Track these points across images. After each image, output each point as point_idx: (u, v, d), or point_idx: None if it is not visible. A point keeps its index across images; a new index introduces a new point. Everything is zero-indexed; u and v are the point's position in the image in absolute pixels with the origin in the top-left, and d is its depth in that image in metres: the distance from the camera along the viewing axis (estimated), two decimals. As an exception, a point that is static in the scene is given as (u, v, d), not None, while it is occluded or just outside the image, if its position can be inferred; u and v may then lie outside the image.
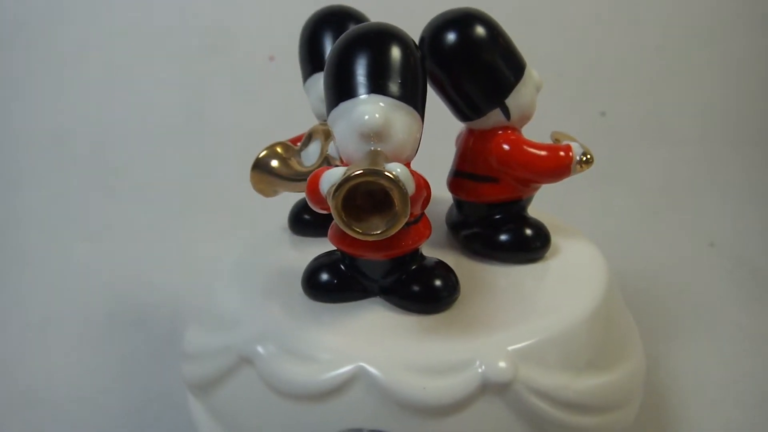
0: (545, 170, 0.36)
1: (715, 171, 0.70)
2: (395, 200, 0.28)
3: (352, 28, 0.33)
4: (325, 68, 0.33)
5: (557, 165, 0.36)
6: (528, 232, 0.38)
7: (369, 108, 0.31)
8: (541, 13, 0.78)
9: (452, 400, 0.30)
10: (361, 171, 0.27)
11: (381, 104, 0.31)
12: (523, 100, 0.36)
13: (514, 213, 0.38)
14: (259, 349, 0.32)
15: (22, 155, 0.69)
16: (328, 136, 0.38)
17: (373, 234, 0.28)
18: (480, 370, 0.30)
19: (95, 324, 0.51)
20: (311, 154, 0.38)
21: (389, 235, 0.28)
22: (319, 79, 0.39)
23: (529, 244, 0.38)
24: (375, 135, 0.30)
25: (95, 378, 0.46)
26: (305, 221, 0.42)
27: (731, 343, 0.46)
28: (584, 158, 0.36)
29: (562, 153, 0.36)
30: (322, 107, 0.38)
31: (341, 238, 0.33)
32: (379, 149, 0.30)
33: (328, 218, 0.41)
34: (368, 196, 0.28)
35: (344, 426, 0.31)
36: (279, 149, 0.38)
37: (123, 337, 0.50)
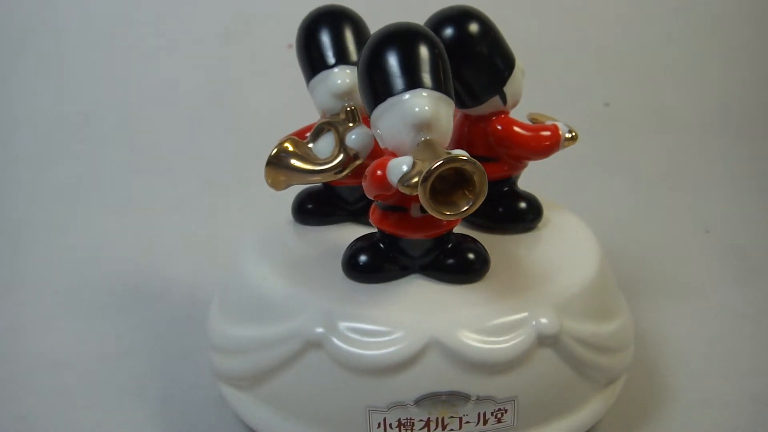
0: (539, 148, 0.41)
1: (716, 160, 0.75)
2: (477, 182, 0.31)
3: (382, 28, 0.35)
4: (363, 68, 0.35)
5: (549, 142, 0.41)
6: (522, 205, 0.42)
7: (419, 101, 0.33)
8: (547, 6, 0.83)
9: (514, 355, 0.34)
10: (442, 161, 0.30)
11: (427, 96, 0.34)
12: (516, 87, 0.41)
13: (508, 188, 0.42)
14: (329, 332, 0.34)
15: (55, 133, 0.75)
16: (341, 128, 0.40)
17: (459, 213, 0.31)
18: (534, 326, 0.34)
19: (119, 292, 0.55)
20: (321, 147, 0.40)
21: (470, 213, 0.31)
22: (325, 77, 0.40)
23: (524, 216, 0.42)
24: (426, 126, 0.33)
25: (119, 341, 0.49)
26: (309, 211, 0.44)
27: (718, 321, 0.50)
28: (570, 135, 0.41)
29: (551, 132, 0.41)
30: (333, 102, 0.41)
31: (386, 220, 0.36)
32: (429, 138, 0.33)
33: (330, 207, 0.43)
34: (441, 180, 0.31)
35: (422, 392, 0.34)
36: (289, 145, 0.40)
37: (146, 305, 0.53)
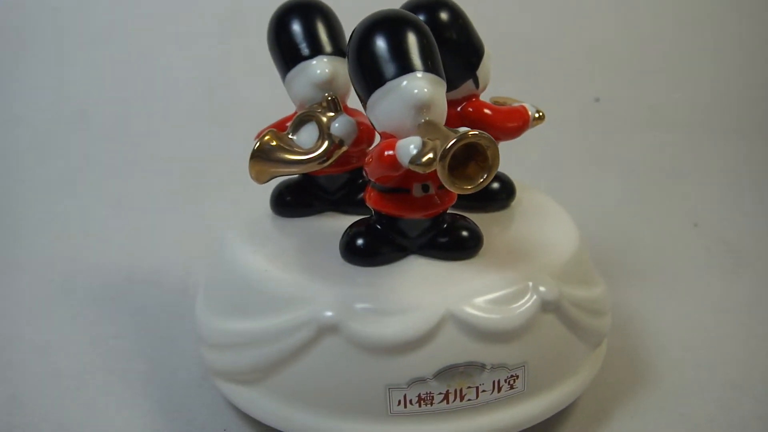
0: (511, 128, 0.42)
1: (705, 156, 0.77)
2: (490, 155, 0.32)
3: (370, 16, 0.36)
4: (355, 55, 0.35)
5: (519, 122, 0.43)
6: (495, 185, 0.44)
7: (417, 83, 0.34)
8: (539, 3, 0.85)
9: (523, 321, 0.35)
10: (456, 139, 0.31)
11: (423, 79, 0.35)
12: (486, 71, 0.42)
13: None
14: (345, 315, 0.34)
15: (53, 128, 0.78)
16: (324, 118, 0.40)
17: (476, 186, 0.32)
18: (537, 294, 0.36)
19: (112, 280, 0.57)
20: (303, 138, 0.40)
21: (486, 185, 0.32)
22: (304, 69, 0.41)
23: (497, 195, 0.44)
24: (426, 107, 0.34)
25: (109, 327, 0.51)
26: (288, 202, 0.44)
27: (701, 312, 0.51)
28: (538, 115, 0.43)
29: (520, 113, 0.43)
30: (313, 93, 0.41)
31: (386, 202, 0.37)
32: (429, 118, 0.34)
33: (310, 198, 0.44)
34: (453, 157, 0.32)
35: (441, 365, 0.34)
36: (271, 137, 0.40)
37: (138, 293, 0.55)
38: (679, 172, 0.75)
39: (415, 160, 0.32)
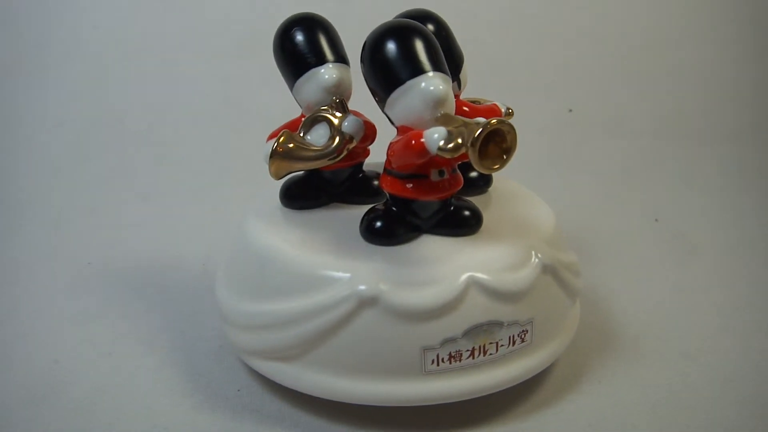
0: None
1: (664, 160, 0.88)
2: (509, 139, 0.38)
3: (382, 26, 0.41)
4: (373, 60, 0.40)
5: (493, 117, 0.49)
6: (474, 174, 0.50)
7: (433, 82, 0.39)
8: (521, 24, 0.97)
9: (530, 283, 0.41)
10: (482, 127, 0.36)
11: (435, 77, 0.39)
12: (465, 75, 0.48)
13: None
14: (383, 288, 0.39)
15: (93, 132, 0.90)
16: (334, 118, 0.44)
17: (502, 164, 0.38)
18: (538, 259, 0.42)
19: (143, 263, 0.65)
20: (315, 137, 0.45)
21: (506, 165, 0.38)
22: (313, 75, 0.45)
23: (476, 182, 0.50)
24: (442, 102, 0.40)
25: (139, 302, 0.59)
26: (297, 195, 0.47)
27: (660, 293, 0.59)
28: (508, 111, 0.49)
29: (493, 110, 0.49)
30: (322, 96, 0.45)
31: (404, 187, 0.41)
32: (445, 111, 0.40)
33: (317, 191, 0.48)
34: None
35: (468, 325, 0.40)
36: (288, 136, 0.44)
37: (164, 275, 0.63)
38: (642, 174, 0.87)
39: (444, 146, 0.37)
